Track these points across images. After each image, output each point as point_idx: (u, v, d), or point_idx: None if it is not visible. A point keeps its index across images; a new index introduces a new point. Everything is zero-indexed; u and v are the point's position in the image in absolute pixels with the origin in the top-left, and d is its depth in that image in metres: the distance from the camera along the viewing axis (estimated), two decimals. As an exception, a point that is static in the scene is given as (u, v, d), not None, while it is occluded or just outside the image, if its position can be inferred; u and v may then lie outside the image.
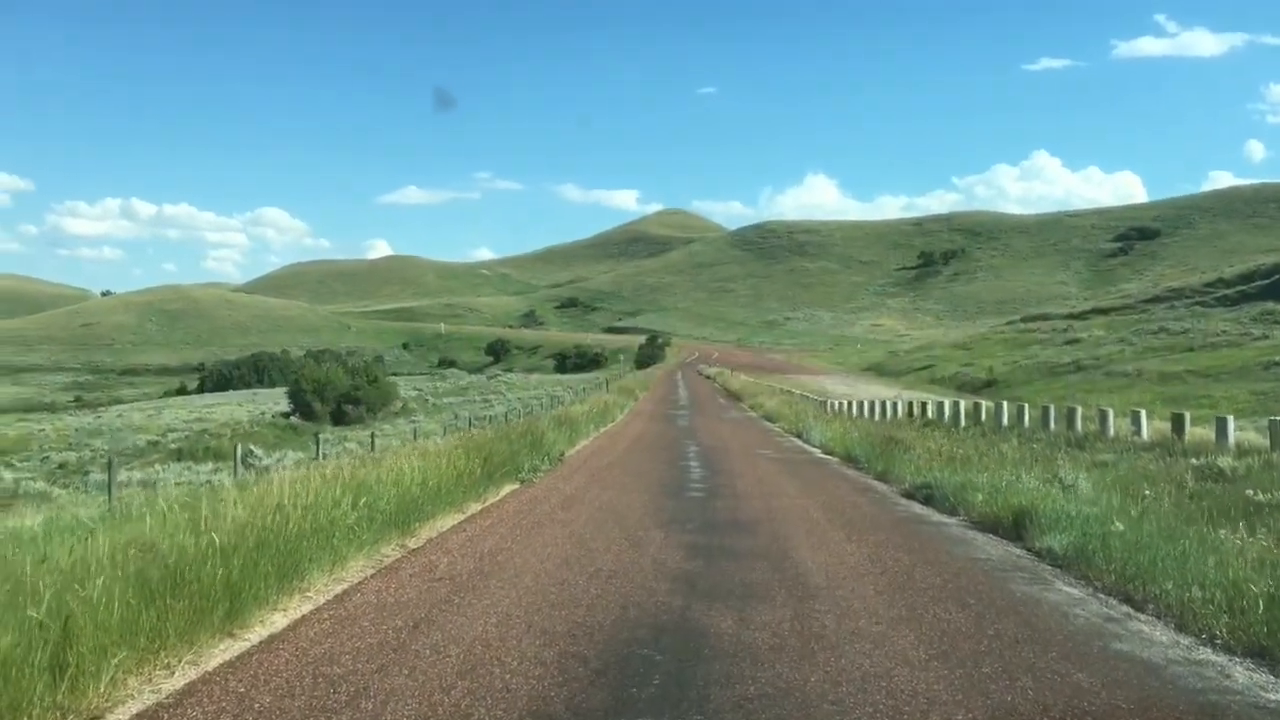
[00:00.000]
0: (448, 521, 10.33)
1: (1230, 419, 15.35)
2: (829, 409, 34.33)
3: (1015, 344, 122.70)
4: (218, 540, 6.15)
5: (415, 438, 27.48)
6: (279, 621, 6.27)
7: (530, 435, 17.42)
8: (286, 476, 8.76)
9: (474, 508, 11.45)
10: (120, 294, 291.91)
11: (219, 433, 65.51)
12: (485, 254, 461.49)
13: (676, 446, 21.16)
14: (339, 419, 64.77)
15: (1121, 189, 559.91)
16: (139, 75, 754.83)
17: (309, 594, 6.96)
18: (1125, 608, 6.44)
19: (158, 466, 39.46)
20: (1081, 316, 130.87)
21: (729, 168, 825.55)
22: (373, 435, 24.48)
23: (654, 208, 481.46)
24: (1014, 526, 9.37)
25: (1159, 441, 16.08)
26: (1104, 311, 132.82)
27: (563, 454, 18.49)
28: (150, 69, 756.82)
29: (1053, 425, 19.90)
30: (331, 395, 64.65)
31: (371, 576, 7.56)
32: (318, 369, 72.35)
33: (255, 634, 5.99)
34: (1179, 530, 7.88)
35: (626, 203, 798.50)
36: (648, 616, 6.01)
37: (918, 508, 11.29)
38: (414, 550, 8.71)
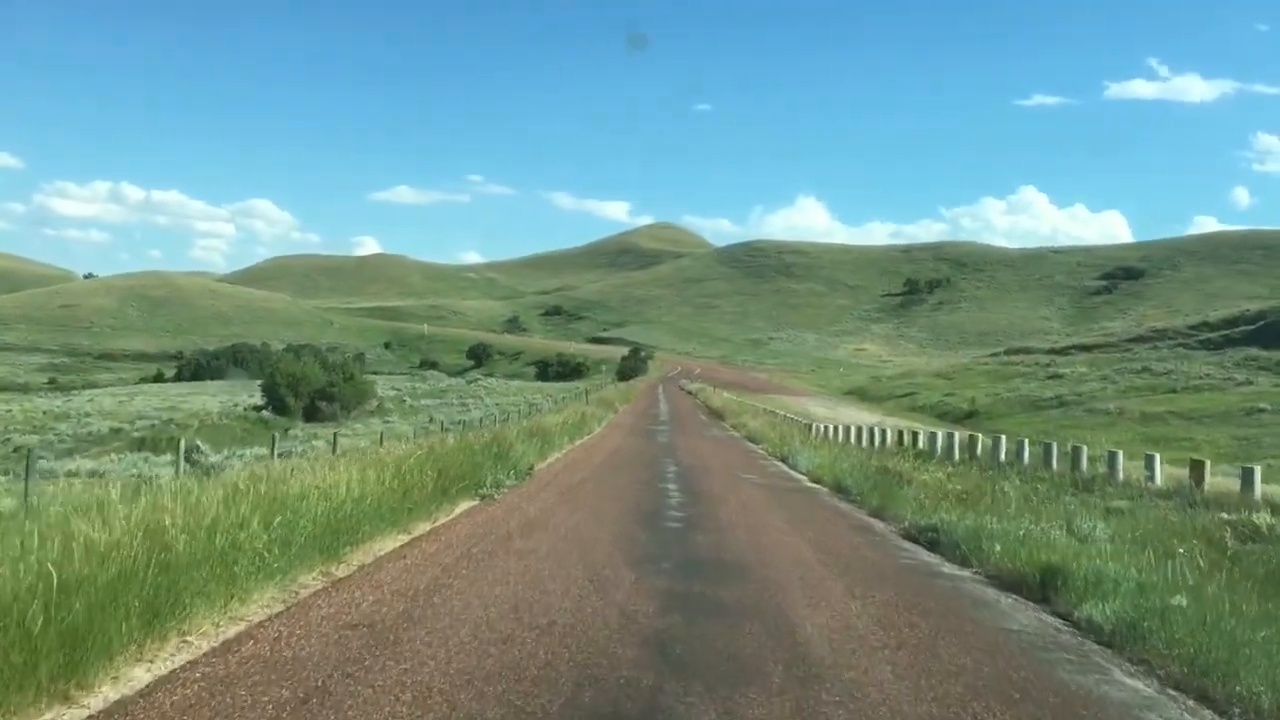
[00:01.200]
0: (388, 544, 8.95)
1: (1257, 469, 14.14)
2: (814, 432, 33.09)
3: (997, 376, 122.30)
4: (55, 575, 4.74)
5: (383, 441, 26.05)
6: (139, 679, 4.88)
7: (497, 445, 16.02)
8: (178, 487, 7.33)
9: (422, 528, 10.06)
10: (102, 277, 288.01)
11: (186, 423, 63.73)
12: (473, 257, 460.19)
13: (655, 465, 19.80)
14: (312, 415, 63.20)
15: (1107, 228, 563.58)
16: (134, 60, 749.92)
17: (190, 638, 5.57)
18: (1207, 712, 5.14)
19: (114, 456, 37.76)
20: (1064, 352, 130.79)
21: (721, 185, 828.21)
22: (335, 435, 22.98)
23: (645, 220, 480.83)
24: (1040, 585, 8.07)
25: (1175, 489, 14.85)
26: (1087, 348, 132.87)
27: (532, 468, 17.10)
28: (147, 55, 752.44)
29: (1055, 464, 18.66)
30: (306, 391, 63.11)
31: (277, 615, 6.17)
32: (294, 363, 70.65)
33: (98, 698, 4.60)
34: (1249, 609, 6.58)
35: (618, 214, 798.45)
36: (607, 702, 4.66)
37: (924, 554, 9.96)
38: (339, 581, 7.32)
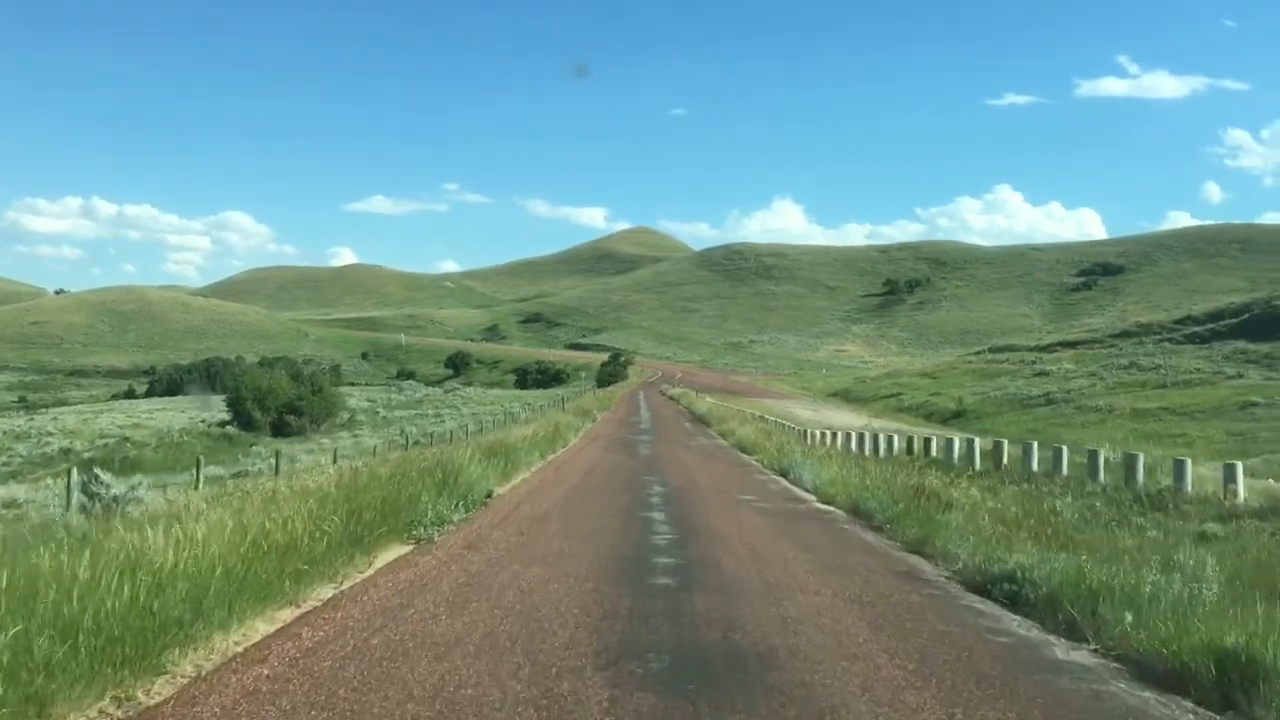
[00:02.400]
0: (255, 631, 6.13)
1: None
2: (808, 440, 30.39)
3: (983, 374, 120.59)
4: None
5: (335, 460, 23.12)
6: None
7: (442, 470, 13.15)
8: None
9: (319, 596, 7.25)
10: (73, 293, 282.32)
11: (144, 442, 60.59)
12: (451, 266, 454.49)
13: (636, 487, 16.92)
14: (280, 430, 60.23)
15: (1082, 225, 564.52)
16: (103, 73, 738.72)
17: None
18: None
19: (50, 481, 34.52)
20: (1049, 349, 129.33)
21: (697, 189, 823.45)
22: (277, 455, 20.00)
23: (622, 226, 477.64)
24: (1217, 683, 5.35)
25: (1272, 506, 12.20)
26: (1071, 345, 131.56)
27: (489, 494, 14.28)
28: (113, 68, 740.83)
29: (1102, 474, 16.02)
30: (273, 405, 60.14)
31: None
32: (261, 376, 67.54)
33: None
34: None
35: (594, 220, 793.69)
36: None
37: (1012, 620, 7.13)
38: None
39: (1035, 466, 17.89)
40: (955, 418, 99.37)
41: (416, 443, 31.34)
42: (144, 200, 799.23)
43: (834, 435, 28.31)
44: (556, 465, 21.28)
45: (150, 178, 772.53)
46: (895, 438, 24.90)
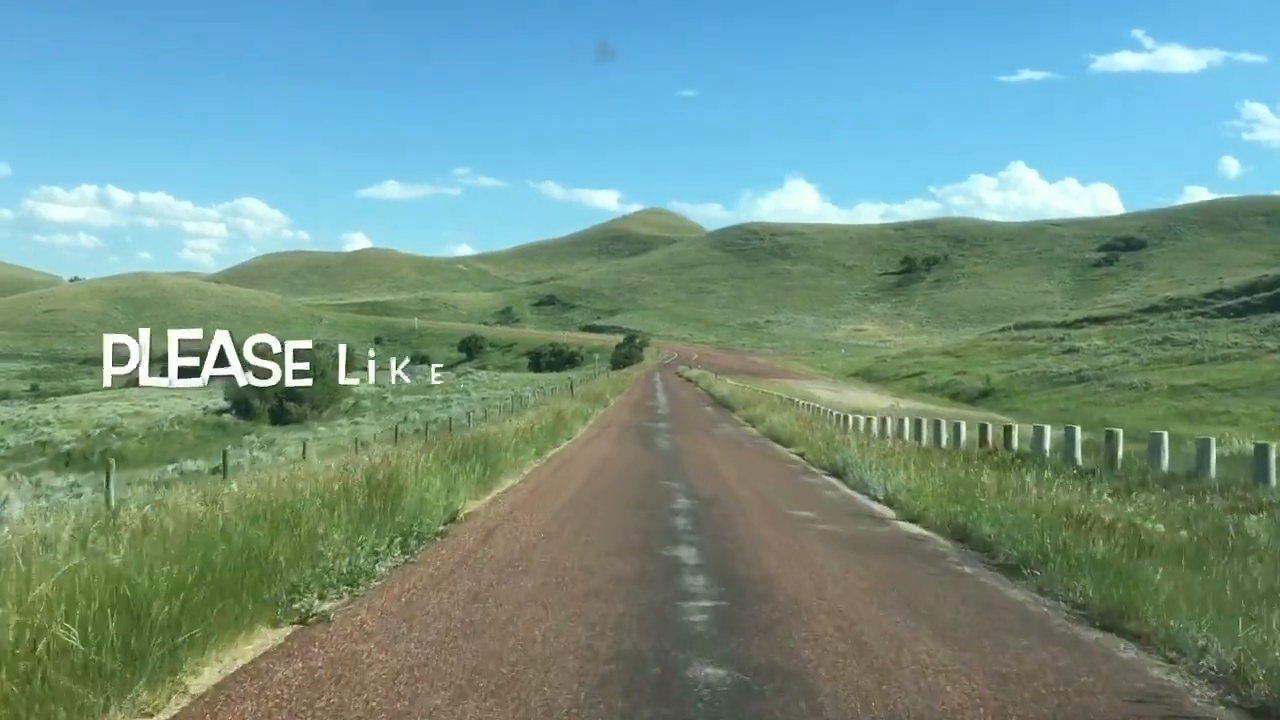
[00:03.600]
0: None
1: None
2: (846, 426, 26.31)
3: (1009, 352, 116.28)
4: None
5: (304, 454, 19.03)
6: None
7: (390, 485, 9.21)
8: None
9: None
10: (87, 280, 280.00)
11: (133, 432, 57.31)
12: (465, 250, 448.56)
13: (655, 499, 12.90)
14: (279, 418, 56.90)
15: (1099, 201, 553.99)
16: (119, 63, 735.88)
17: None
18: None
19: (19, 475, 31.22)
20: (1076, 325, 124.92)
21: (709, 170, 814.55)
22: (225, 456, 16.05)
23: (635, 208, 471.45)
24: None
25: None
26: (1099, 320, 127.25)
27: (455, 516, 10.36)
28: (131, 57, 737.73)
29: (1274, 477, 11.98)
30: (271, 391, 56.56)
31: None
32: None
33: None
34: None
35: (608, 203, 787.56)
36: None
37: None
38: None
39: (1165, 464, 13.83)
40: (983, 397, 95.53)
41: (418, 431, 27.51)
42: (159, 188, 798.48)
43: (884, 423, 24.18)
44: (557, 464, 17.42)
45: (165, 165, 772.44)
46: (963, 425, 20.79)
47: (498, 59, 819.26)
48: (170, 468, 33.79)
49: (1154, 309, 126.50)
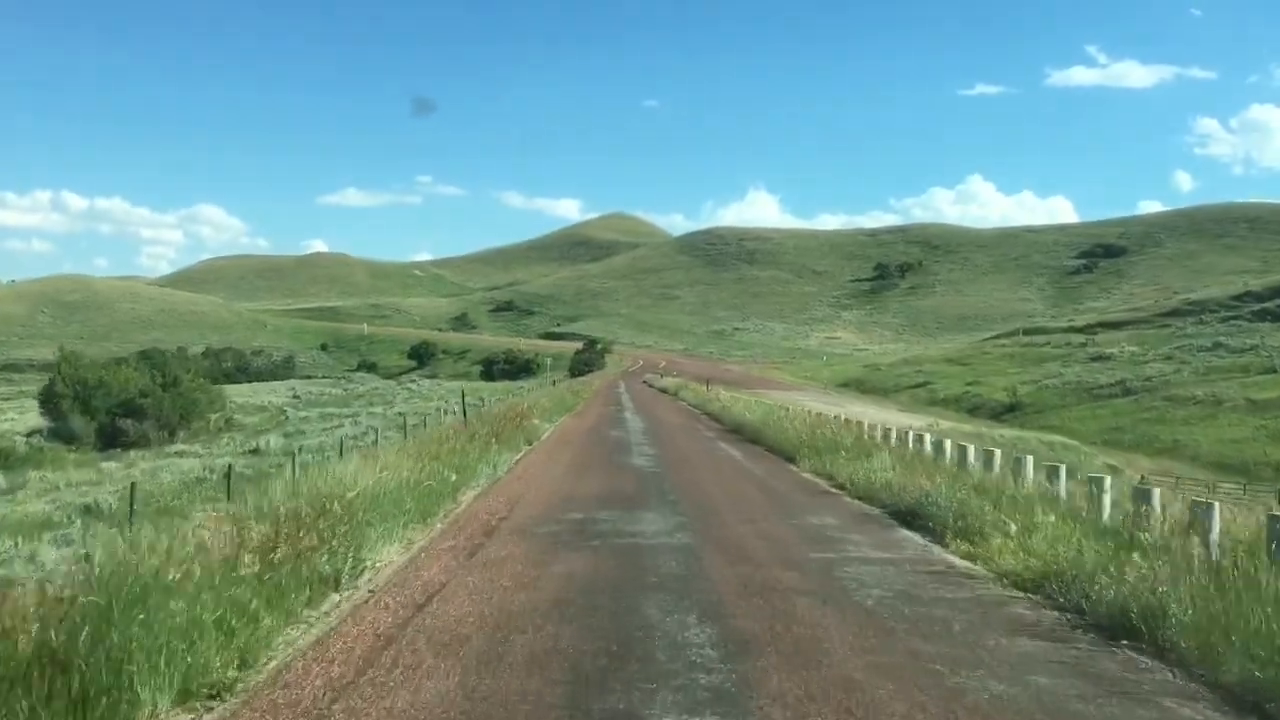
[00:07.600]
0: None
1: None
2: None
3: (1024, 360, 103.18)
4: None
5: None
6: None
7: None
8: None
9: None
10: (16, 283, 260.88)
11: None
12: (424, 258, 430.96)
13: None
14: (113, 440, 41.66)
15: (1054, 214, 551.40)
16: (73, 67, 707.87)
17: None
18: None
19: None
20: (1089, 330, 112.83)
21: (671, 181, 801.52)
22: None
23: (596, 215, 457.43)
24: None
25: None
26: (1115, 325, 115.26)
27: None
28: (86, 61, 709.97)
29: None
30: (103, 405, 41.72)
31: None
32: (91, 366, 48.30)
33: None
34: None
35: (569, 212, 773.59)
36: None
37: None
38: None
39: None
40: (1009, 412, 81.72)
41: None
42: (115, 193, 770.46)
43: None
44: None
45: (121, 171, 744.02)
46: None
47: (458, 66, 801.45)
48: None
49: (1175, 312, 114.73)
